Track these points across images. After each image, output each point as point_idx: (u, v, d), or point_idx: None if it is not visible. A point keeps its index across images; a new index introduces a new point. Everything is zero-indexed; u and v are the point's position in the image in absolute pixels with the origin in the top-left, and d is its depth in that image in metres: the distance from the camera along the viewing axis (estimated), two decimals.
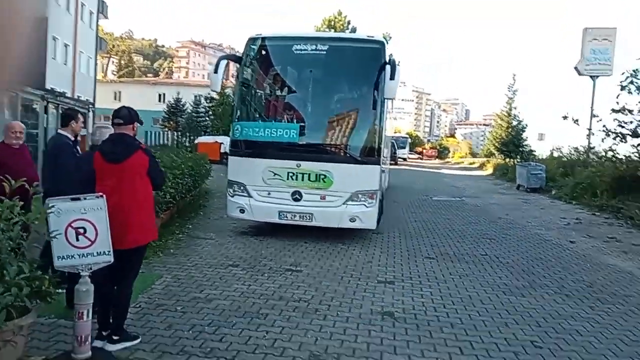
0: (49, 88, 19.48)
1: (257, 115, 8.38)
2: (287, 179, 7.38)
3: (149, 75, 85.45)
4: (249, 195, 7.59)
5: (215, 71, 7.70)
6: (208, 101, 35.47)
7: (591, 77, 21.02)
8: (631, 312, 5.09)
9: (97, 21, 36.28)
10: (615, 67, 20.46)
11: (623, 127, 13.00)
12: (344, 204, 7.33)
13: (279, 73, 8.44)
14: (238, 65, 8.07)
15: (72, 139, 4.88)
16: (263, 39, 8.05)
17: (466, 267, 6.58)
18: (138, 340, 3.61)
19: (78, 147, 4.96)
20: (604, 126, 13.95)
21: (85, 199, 3.17)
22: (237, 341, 3.80)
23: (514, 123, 31.20)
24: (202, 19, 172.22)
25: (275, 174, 7.41)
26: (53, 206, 2.95)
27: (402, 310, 4.75)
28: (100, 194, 3.22)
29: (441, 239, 8.58)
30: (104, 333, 3.52)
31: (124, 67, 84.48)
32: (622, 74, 13.56)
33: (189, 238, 7.61)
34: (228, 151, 27.54)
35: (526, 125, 30.58)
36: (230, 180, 7.83)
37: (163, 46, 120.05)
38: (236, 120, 8.08)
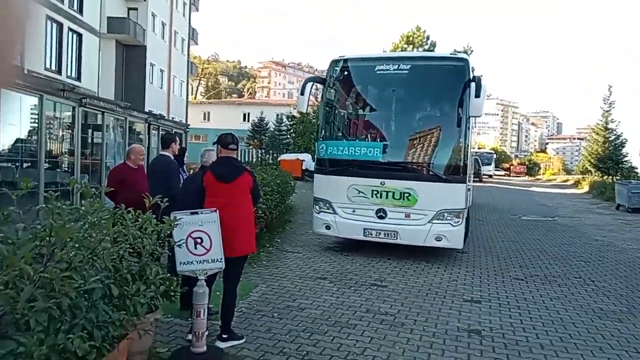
0: (148, 110, 21.48)
1: (341, 134, 8.58)
2: (372, 196, 7.51)
3: (233, 95, 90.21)
4: (335, 212, 7.78)
5: (302, 93, 8.06)
6: (289, 119, 36.82)
7: None
8: None
9: (189, 47, 39.33)
10: None
11: None
12: (429, 222, 7.33)
13: (362, 93, 8.66)
14: (322, 86, 8.40)
15: (172, 158, 5.56)
16: (345, 60, 8.25)
17: (557, 290, 6.37)
18: (243, 340, 4.03)
19: (184, 167, 5.61)
20: None
21: (202, 212, 3.66)
22: (329, 347, 4.09)
23: (612, 137, 28.97)
24: (281, 38, 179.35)
25: (359, 192, 7.56)
26: (180, 218, 3.45)
27: (489, 329, 4.77)
28: (214, 208, 3.70)
29: (531, 260, 8.32)
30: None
31: (211, 89, 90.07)
32: None
33: (279, 251, 8.09)
34: (311, 168, 28.44)
35: (626, 140, 28.33)
36: (316, 197, 8.08)
37: (246, 67, 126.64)
38: (321, 139, 8.35)
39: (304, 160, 28.08)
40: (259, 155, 35.13)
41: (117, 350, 2.56)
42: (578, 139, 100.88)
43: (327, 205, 7.86)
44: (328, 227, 7.84)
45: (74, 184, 2.65)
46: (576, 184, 34.16)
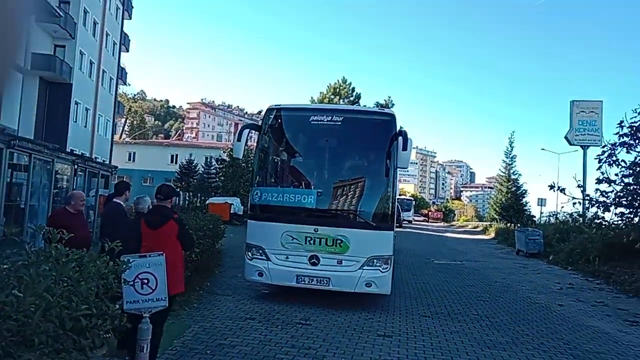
0: (70, 150, 20.94)
1: (275, 181, 8.77)
2: (305, 243, 7.59)
3: (160, 135, 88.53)
4: (267, 259, 7.75)
5: (239, 139, 8.13)
6: (219, 162, 36.99)
7: (581, 146, 22.34)
8: None
9: (117, 86, 38.77)
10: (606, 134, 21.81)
11: (605, 196, 13.98)
12: (360, 268, 7.51)
13: (296, 141, 8.95)
14: (257, 133, 8.62)
15: (123, 206, 5.96)
16: (280, 109, 8.50)
17: (457, 325, 7.33)
18: None
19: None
20: (587, 195, 14.96)
21: (150, 256, 4.14)
22: None
23: (513, 189, 32.33)
24: (211, 78, 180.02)
25: (293, 238, 7.63)
26: (129, 261, 3.91)
27: (397, 359, 5.52)
28: (161, 252, 4.20)
29: (438, 299, 9.33)
30: None
31: (137, 128, 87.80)
32: (604, 146, 14.73)
33: (209, 294, 8.44)
34: (240, 212, 28.77)
35: (526, 191, 31.73)
36: (249, 243, 8.00)
37: (174, 107, 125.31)
38: (255, 185, 8.36)
39: (232, 204, 28.26)
40: (187, 198, 34.73)
41: None
42: (488, 187, 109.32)
43: (260, 251, 7.83)
44: (261, 274, 7.80)
45: (41, 229, 3.07)
46: (484, 230, 37.23)
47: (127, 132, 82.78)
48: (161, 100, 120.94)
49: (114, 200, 6.07)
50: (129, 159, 47.17)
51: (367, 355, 5.57)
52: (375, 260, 7.56)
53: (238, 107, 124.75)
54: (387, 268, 7.62)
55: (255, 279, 7.98)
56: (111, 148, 36.91)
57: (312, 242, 7.60)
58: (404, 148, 7.47)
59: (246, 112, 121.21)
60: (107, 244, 3.55)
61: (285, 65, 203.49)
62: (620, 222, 14.27)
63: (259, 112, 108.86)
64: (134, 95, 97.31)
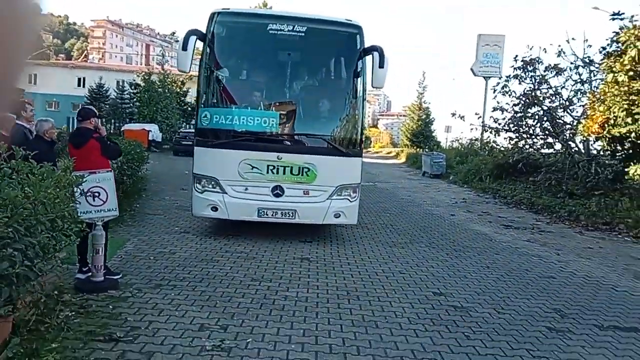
0: None
1: (229, 102, 7.40)
2: (267, 172, 6.86)
3: (60, 55, 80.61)
4: (223, 191, 6.90)
5: (184, 48, 6.64)
6: (132, 87, 35.29)
7: (484, 77, 24.43)
8: (473, 255, 7.36)
9: None
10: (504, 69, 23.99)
11: (497, 123, 15.97)
12: (328, 198, 7.06)
13: (252, 55, 7.86)
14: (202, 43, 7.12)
15: (27, 126, 5.94)
16: (229, 14, 7.24)
17: (367, 232, 8.63)
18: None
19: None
20: (482, 122, 17.00)
21: (99, 172, 4.66)
22: (199, 274, 5.47)
23: (423, 116, 34.70)
24: None
25: (253, 167, 6.85)
26: (84, 176, 4.40)
27: (315, 257, 6.62)
28: (109, 169, 4.72)
29: None
30: (84, 269, 4.93)
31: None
32: (500, 78, 16.54)
33: (141, 214, 8.96)
34: (158, 139, 28.38)
35: (434, 119, 34.24)
36: (198, 174, 7.02)
37: (75, 24, 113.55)
38: (202, 106, 7.15)
39: (150, 130, 27.68)
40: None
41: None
42: (403, 115, 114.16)
43: (213, 183, 6.93)
44: (215, 209, 6.93)
45: (19, 153, 3.48)
46: (396, 155, 39.91)
47: None
48: (59, 16, 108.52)
49: (17, 122, 6.08)
50: (30, 82, 43.11)
51: (291, 254, 6.61)
52: (343, 190, 7.13)
53: (149, 26, 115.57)
54: (355, 197, 7.27)
55: (208, 214, 7.11)
56: None
57: (275, 171, 6.87)
58: (381, 65, 6.81)
59: (158, 33, 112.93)
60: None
61: None
62: (508, 145, 16.43)
63: (173, 34, 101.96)
64: None
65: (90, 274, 4.70)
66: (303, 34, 7.09)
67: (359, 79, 7.30)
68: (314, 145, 7.13)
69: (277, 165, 6.87)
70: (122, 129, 27.89)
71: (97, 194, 4.63)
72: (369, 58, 7.12)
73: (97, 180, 4.63)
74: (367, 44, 7.23)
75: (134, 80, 34.77)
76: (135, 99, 34.42)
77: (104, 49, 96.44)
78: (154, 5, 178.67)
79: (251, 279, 5.40)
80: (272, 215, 6.96)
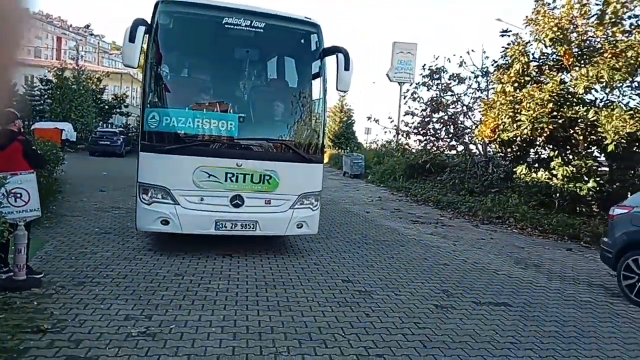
0: None
1: (179, 102, 6.58)
2: (226, 180, 6.30)
3: None
4: (175, 202, 6.20)
5: (132, 40, 5.82)
6: (43, 83, 33.12)
7: (398, 83, 26.04)
8: (381, 247, 8.19)
9: None
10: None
11: (408, 126, 17.35)
12: (290, 208, 6.64)
13: (204, 51, 7.16)
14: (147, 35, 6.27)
15: None
16: (179, 3, 6.61)
17: None
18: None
19: None
20: (396, 125, 18.36)
21: (21, 174, 4.79)
22: (122, 271, 5.71)
23: (345, 118, 36.06)
24: None
25: (210, 175, 6.24)
26: (6, 177, 4.52)
27: (236, 253, 7.05)
28: (32, 170, 4.86)
29: None
30: (4, 269, 5.00)
31: None
32: (411, 84, 17.94)
33: (58, 216, 8.84)
34: (72, 139, 27.02)
35: (354, 121, 35.66)
36: (144, 183, 6.26)
37: None
38: (149, 106, 6.40)
39: (63, 129, 26.31)
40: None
41: None
42: (328, 117, 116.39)
43: (163, 193, 6.22)
44: (166, 222, 6.23)
45: None
46: None
47: None
48: None
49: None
50: None
51: (214, 251, 7.00)
52: (306, 198, 6.77)
53: (60, 17, 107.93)
54: (317, 206, 6.98)
55: (157, 229, 6.37)
56: None
57: (234, 179, 6.33)
58: (346, 67, 6.50)
59: (70, 25, 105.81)
60: None
61: None
62: (418, 147, 17.84)
63: (87, 26, 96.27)
64: None
65: (11, 273, 4.81)
66: (256, 30, 6.56)
67: (319, 80, 6.96)
68: (275, 150, 6.72)
69: (237, 173, 6.32)
70: (31, 128, 26.13)
71: (19, 195, 4.75)
72: (331, 59, 6.75)
73: (19, 182, 4.75)
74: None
75: (45, 76, 32.63)
76: (46, 96, 32.33)
77: None
78: None
79: (174, 274, 5.74)
80: (232, 227, 6.40)
